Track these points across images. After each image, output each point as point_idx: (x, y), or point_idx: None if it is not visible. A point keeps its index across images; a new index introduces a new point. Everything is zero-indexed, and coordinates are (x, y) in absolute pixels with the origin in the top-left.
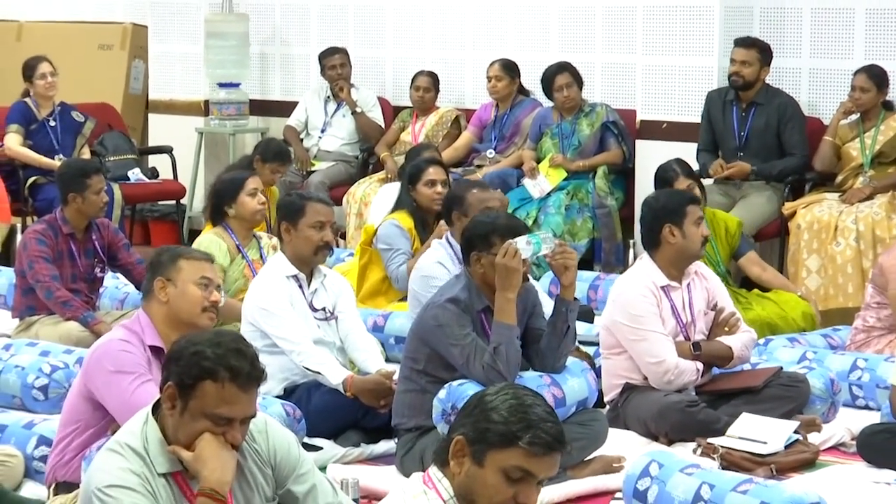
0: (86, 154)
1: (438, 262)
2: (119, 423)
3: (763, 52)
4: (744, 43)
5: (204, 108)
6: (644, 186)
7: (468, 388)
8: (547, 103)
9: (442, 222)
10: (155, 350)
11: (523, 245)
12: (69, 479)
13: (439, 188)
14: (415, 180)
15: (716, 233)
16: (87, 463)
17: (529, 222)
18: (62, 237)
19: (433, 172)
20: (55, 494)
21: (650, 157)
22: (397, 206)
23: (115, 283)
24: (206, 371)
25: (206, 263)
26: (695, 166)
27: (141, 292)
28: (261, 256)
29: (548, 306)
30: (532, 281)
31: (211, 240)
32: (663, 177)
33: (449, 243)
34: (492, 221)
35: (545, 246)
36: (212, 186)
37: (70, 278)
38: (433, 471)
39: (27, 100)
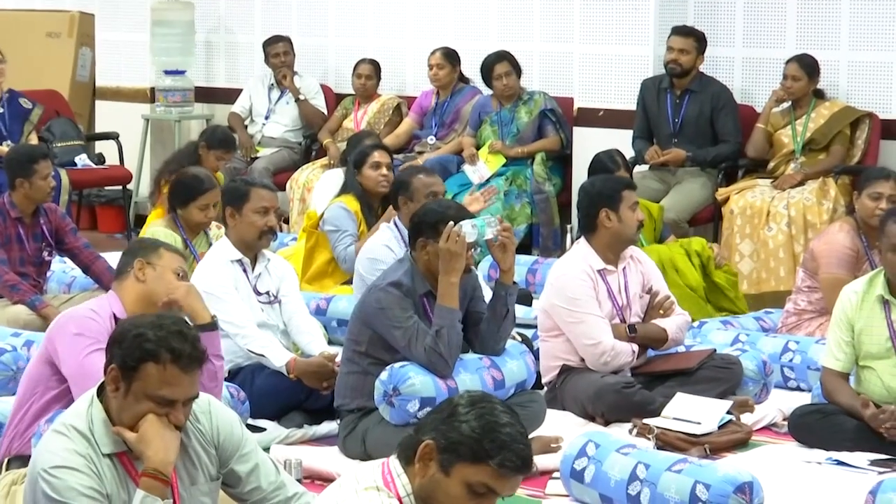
0: (33, 140)
1: (385, 245)
2: (71, 388)
3: (699, 41)
4: (681, 31)
5: (150, 95)
6: (581, 172)
7: (409, 370)
8: (486, 91)
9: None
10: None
11: (468, 229)
12: (23, 451)
13: (384, 171)
14: (360, 164)
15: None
16: (36, 439)
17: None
18: (10, 221)
19: (378, 156)
20: (7, 469)
21: (587, 143)
22: (343, 190)
23: (62, 268)
24: (148, 353)
25: (181, 258)
26: (630, 153)
27: (115, 272)
28: (210, 247)
29: (487, 291)
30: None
31: (166, 234)
32: (600, 168)
33: (396, 226)
34: (442, 210)
35: (489, 229)
36: (176, 177)
37: (18, 262)
38: (394, 464)
39: None
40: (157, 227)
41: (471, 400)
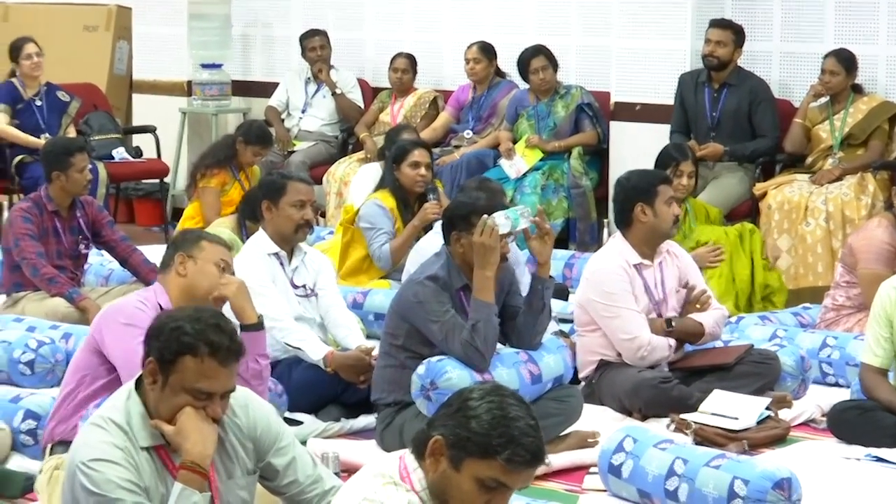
0: (71, 133)
1: (432, 249)
2: (122, 377)
3: (737, 34)
4: (719, 24)
5: (187, 89)
6: (618, 167)
7: (446, 364)
8: (523, 85)
9: (427, 203)
10: None
11: (501, 220)
12: (68, 437)
13: (423, 171)
14: (399, 161)
15: (695, 216)
16: (83, 422)
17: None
18: (47, 214)
19: (418, 155)
20: (50, 454)
21: (624, 138)
22: (380, 186)
23: (99, 261)
24: (186, 346)
25: (224, 249)
26: None
27: (160, 265)
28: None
29: (524, 284)
30: (518, 252)
31: (230, 237)
32: (666, 159)
33: None
34: (473, 202)
35: (523, 220)
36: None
37: (55, 255)
38: (409, 459)
39: (13, 80)
40: (222, 227)
41: (481, 393)
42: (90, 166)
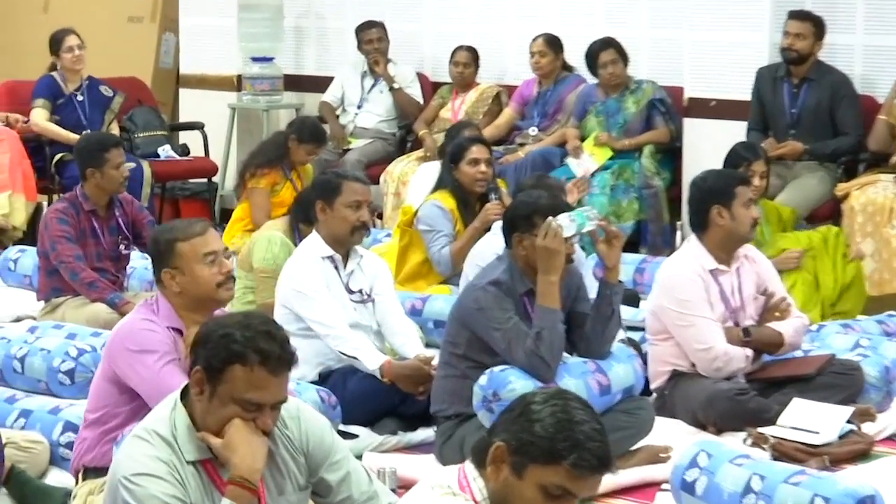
0: (115, 130)
1: (495, 253)
2: (149, 405)
3: (817, 26)
4: (798, 15)
5: (236, 83)
6: (691, 166)
7: (510, 374)
8: (591, 80)
9: (488, 204)
10: (175, 331)
11: (566, 222)
12: (97, 464)
13: (483, 168)
14: (457, 159)
15: (767, 220)
16: (118, 447)
17: (573, 203)
18: (84, 214)
19: (476, 151)
20: (83, 480)
21: (698, 135)
22: (439, 186)
23: (144, 264)
24: (235, 354)
25: (204, 237)
26: None
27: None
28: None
29: (592, 290)
30: (581, 256)
31: (283, 241)
32: (736, 159)
33: None
34: (534, 201)
35: (589, 222)
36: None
37: (95, 257)
38: (469, 468)
39: (54, 74)
40: (273, 231)
41: (544, 397)
42: (129, 163)
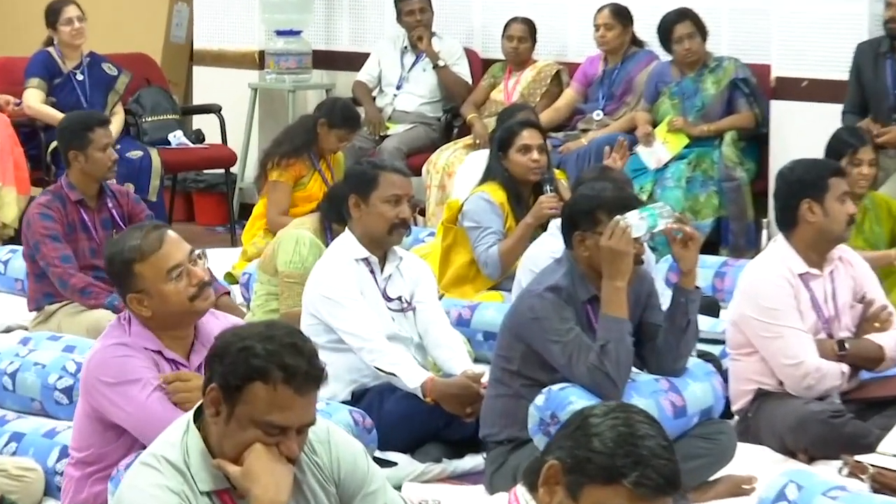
0: (119, 113)
1: (552, 256)
2: (143, 442)
3: None
4: None
5: (258, 60)
6: (779, 155)
7: (570, 393)
8: (665, 57)
9: (542, 196)
10: (153, 352)
11: (635, 221)
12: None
13: (535, 155)
14: (506, 146)
15: (877, 216)
16: (114, 485)
17: (644, 198)
18: (71, 206)
19: (528, 136)
20: None
21: (787, 120)
22: (487, 177)
23: None
24: (256, 370)
25: (163, 251)
26: None
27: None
28: None
29: (665, 297)
30: (651, 258)
31: (312, 242)
32: (838, 146)
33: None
34: (597, 195)
35: (662, 220)
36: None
37: (89, 253)
38: (521, 491)
39: (50, 49)
40: (301, 229)
41: (604, 410)
42: (136, 150)
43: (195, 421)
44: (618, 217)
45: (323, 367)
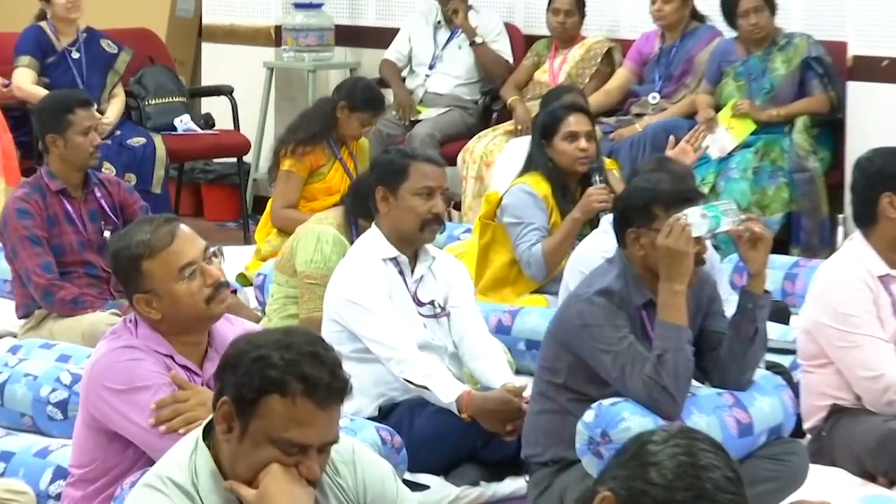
0: (119, 95)
1: (603, 256)
2: (153, 458)
3: None
4: None
5: (275, 37)
6: (857, 143)
7: (623, 409)
8: (729, 33)
9: (591, 188)
10: (164, 356)
11: (696, 219)
12: None
13: (583, 143)
14: (551, 133)
15: None
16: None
17: (706, 190)
18: (52, 197)
19: (574, 122)
20: None
21: (865, 104)
22: (529, 167)
23: None
24: (273, 382)
25: (175, 246)
26: None
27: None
28: None
29: (730, 302)
30: (714, 258)
31: (335, 239)
32: None
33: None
34: (653, 187)
35: (727, 219)
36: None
37: (77, 247)
38: None
39: (43, 24)
40: (325, 226)
41: (665, 436)
42: (139, 137)
43: (205, 438)
44: (676, 214)
45: (347, 378)
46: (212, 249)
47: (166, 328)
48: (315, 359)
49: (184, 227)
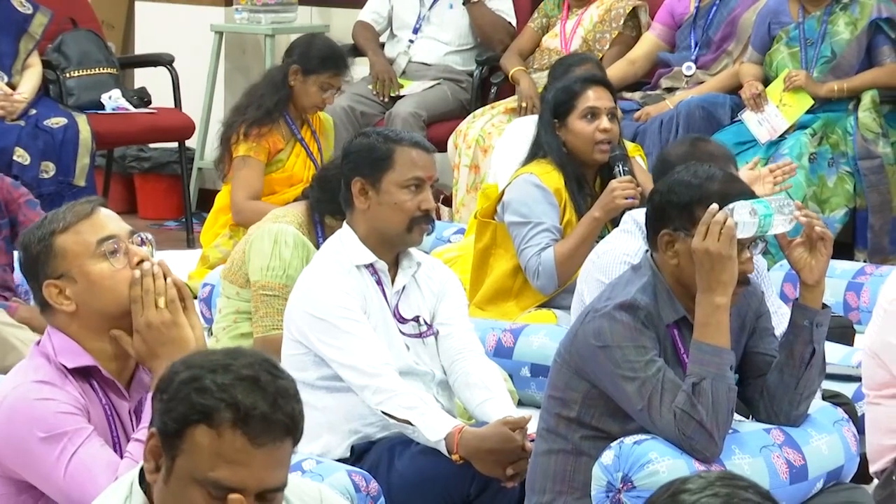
0: (35, 64)
1: (626, 261)
2: None
3: None
4: None
5: None
6: None
7: (650, 449)
8: None
9: (614, 181)
10: (84, 371)
11: (744, 216)
12: None
13: (605, 123)
14: (564, 111)
15: None
16: None
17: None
18: None
19: (594, 97)
20: None
21: None
22: (536, 154)
23: None
24: (199, 410)
25: (94, 218)
26: None
27: (37, 303)
28: None
29: (780, 317)
30: (762, 265)
31: (296, 241)
32: None
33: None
34: (699, 184)
35: (780, 218)
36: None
37: None
38: None
39: None
40: (283, 225)
41: (702, 484)
42: (58, 117)
43: (140, 483)
44: (715, 206)
45: (295, 411)
46: (140, 235)
47: (83, 326)
48: (253, 384)
49: (105, 208)
